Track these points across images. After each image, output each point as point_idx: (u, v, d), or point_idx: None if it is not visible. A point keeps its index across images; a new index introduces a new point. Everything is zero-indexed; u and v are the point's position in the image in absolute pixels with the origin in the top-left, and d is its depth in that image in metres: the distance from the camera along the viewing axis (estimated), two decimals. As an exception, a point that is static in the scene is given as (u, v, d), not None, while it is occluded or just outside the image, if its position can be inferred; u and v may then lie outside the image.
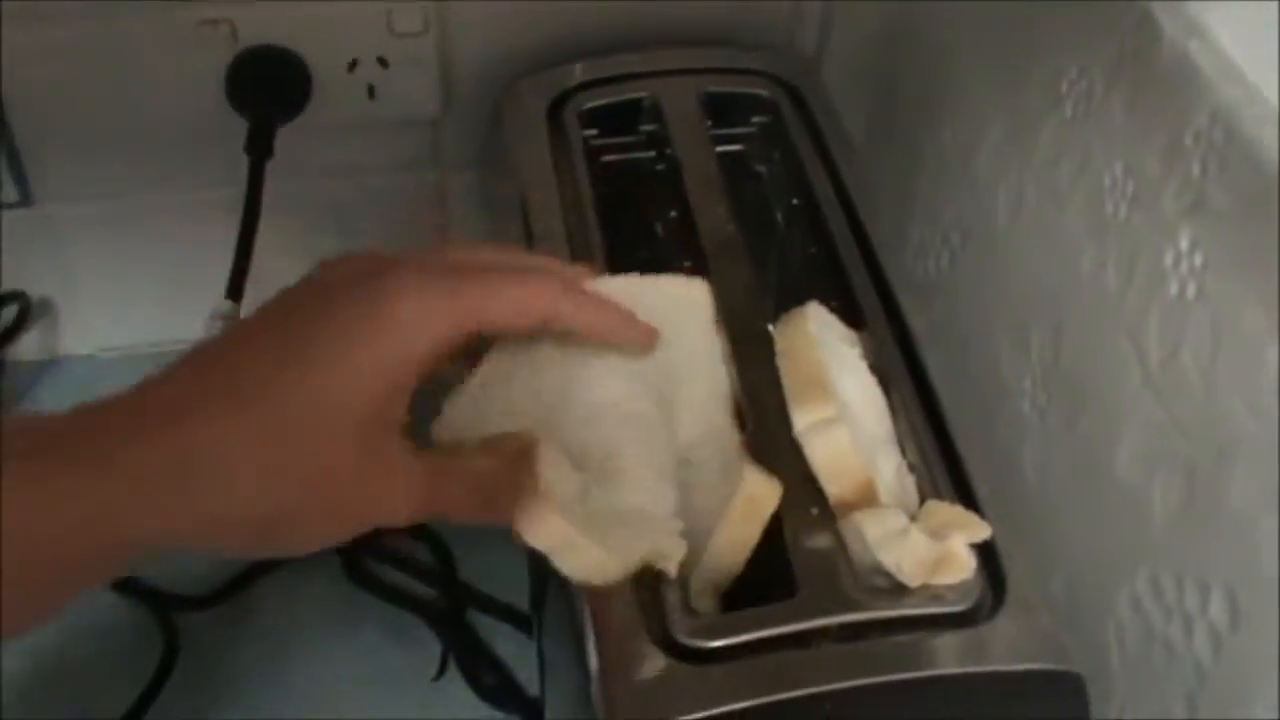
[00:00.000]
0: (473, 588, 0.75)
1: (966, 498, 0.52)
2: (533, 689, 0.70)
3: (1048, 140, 0.63)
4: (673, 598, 0.48)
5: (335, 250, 0.48)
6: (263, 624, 0.74)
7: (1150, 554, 0.54)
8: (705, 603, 0.48)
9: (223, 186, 0.73)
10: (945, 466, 0.53)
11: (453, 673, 0.72)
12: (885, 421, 0.54)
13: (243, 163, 0.71)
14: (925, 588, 0.48)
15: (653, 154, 0.68)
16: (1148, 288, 0.54)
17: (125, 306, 0.83)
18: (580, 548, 0.45)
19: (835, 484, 0.50)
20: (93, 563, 0.41)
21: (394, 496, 0.46)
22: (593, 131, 0.68)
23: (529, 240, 0.62)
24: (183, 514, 0.41)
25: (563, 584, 0.47)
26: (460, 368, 0.51)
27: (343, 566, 0.75)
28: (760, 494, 0.48)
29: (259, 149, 0.71)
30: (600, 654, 0.48)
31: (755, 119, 0.70)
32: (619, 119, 0.69)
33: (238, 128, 0.72)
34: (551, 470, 0.46)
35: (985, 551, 0.49)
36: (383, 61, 0.73)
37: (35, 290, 0.82)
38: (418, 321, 0.45)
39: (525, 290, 0.48)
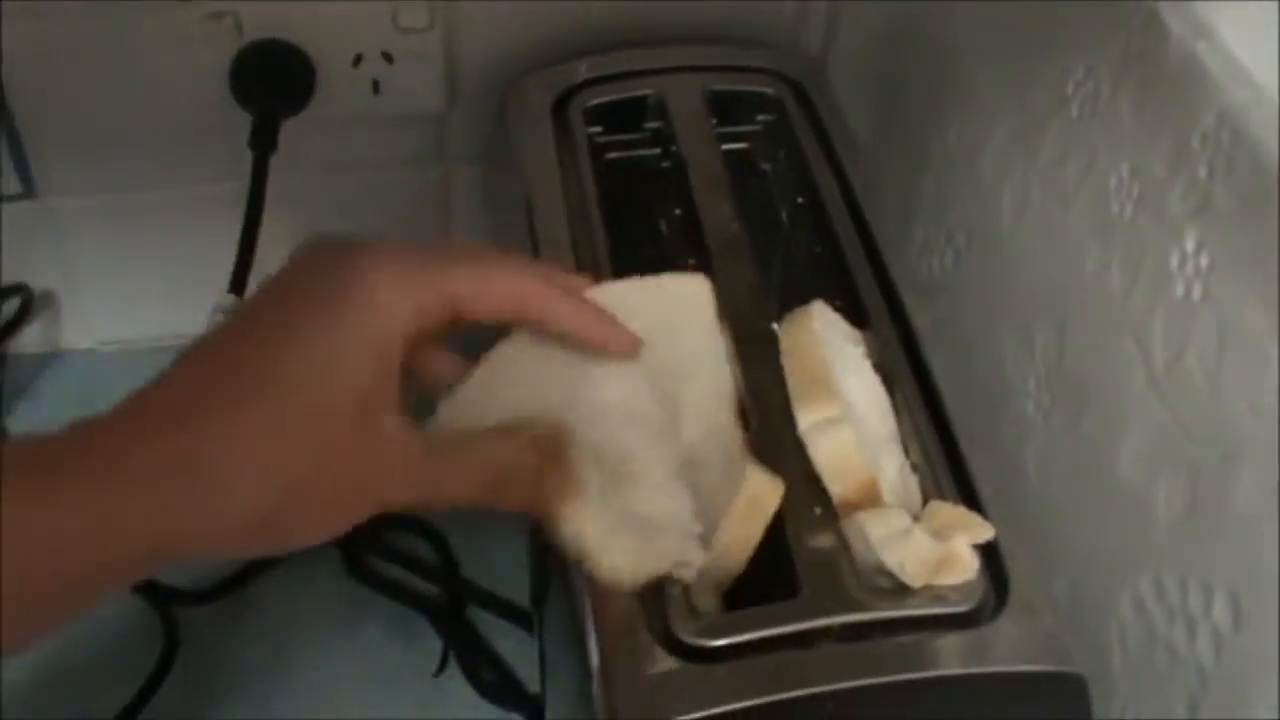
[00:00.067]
0: (474, 584, 0.75)
1: (970, 498, 0.52)
2: (533, 686, 0.70)
3: (1054, 140, 0.62)
4: (675, 596, 0.48)
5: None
6: (263, 619, 0.73)
7: (1153, 556, 0.54)
8: (707, 601, 0.48)
9: (226, 180, 0.73)
10: (949, 467, 0.53)
11: (453, 669, 0.72)
12: (889, 421, 0.54)
13: (246, 157, 0.71)
14: (928, 588, 0.48)
15: (657, 152, 0.68)
16: (1153, 289, 0.54)
17: (128, 300, 0.83)
18: (613, 547, 0.45)
19: (839, 483, 0.50)
20: (94, 579, 0.41)
21: (394, 476, 0.46)
22: (597, 128, 0.68)
23: (532, 237, 0.62)
24: (188, 520, 0.41)
25: (564, 581, 0.47)
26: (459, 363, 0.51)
27: (343, 562, 0.75)
28: (763, 493, 0.48)
29: (263, 143, 0.71)
30: (601, 652, 0.48)
31: (760, 117, 0.70)
32: (624, 116, 0.69)
33: (242, 122, 0.71)
34: (580, 465, 0.46)
35: (988, 552, 0.49)
36: (387, 57, 0.73)
37: (38, 283, 0.82)
38: (397, 301, 0.45)
39: (502, 277, 0.48)
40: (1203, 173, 0.51)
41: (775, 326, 0.55)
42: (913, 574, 0.47)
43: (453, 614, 0.74)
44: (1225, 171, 0.50)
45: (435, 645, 0.72)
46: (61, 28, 0.70)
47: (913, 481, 0.52)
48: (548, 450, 0.47)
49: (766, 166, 0.70)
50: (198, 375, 0.43)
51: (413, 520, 0.77)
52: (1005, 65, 0.68)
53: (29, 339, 0.83)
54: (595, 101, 0.69)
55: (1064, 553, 0.60)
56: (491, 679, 0.72)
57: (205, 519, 0.41)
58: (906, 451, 0.54)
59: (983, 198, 0.69)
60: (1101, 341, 0.58)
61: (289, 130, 0.72)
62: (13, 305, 0.81)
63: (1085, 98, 0.60)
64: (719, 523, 0.48)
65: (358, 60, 0.73)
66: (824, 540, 0.49)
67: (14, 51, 0.70)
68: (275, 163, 0.71)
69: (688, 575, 0.47)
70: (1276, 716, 0.47)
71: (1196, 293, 0.51)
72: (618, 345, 0.50)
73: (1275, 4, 0.52)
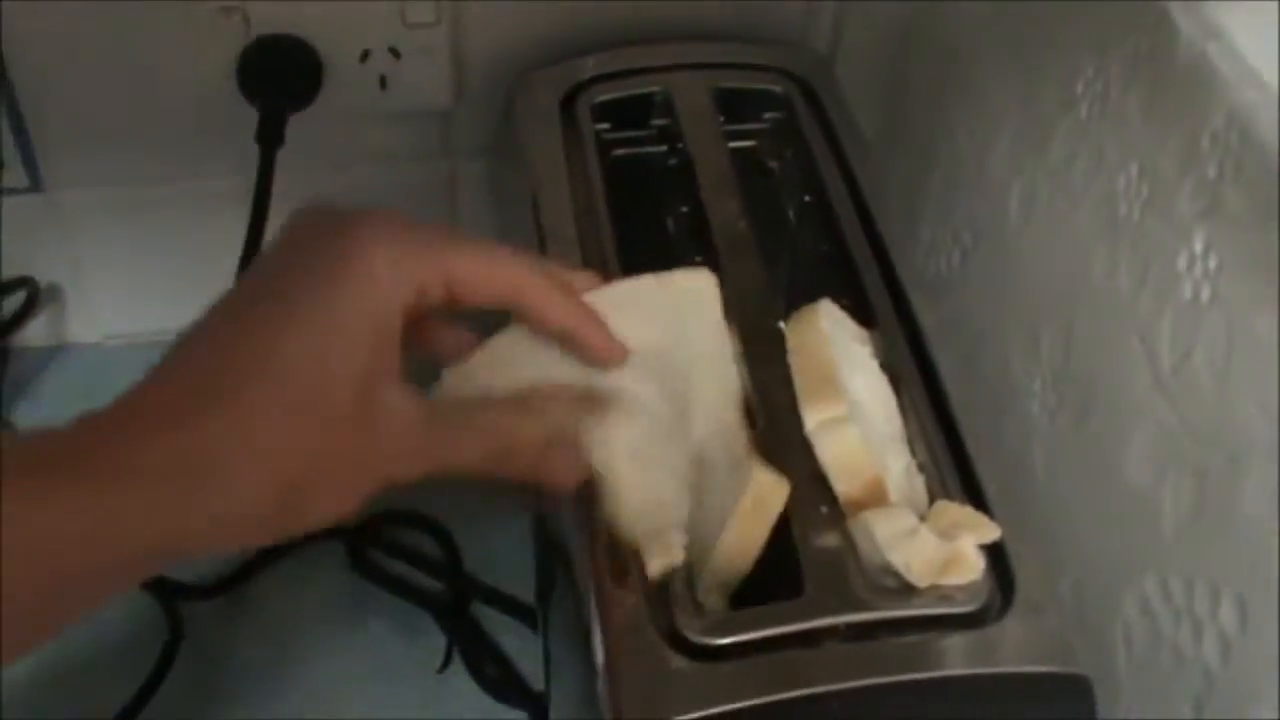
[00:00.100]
0: (478, 580, 0.75)
1: (976, 498, 0.52)
2: (537, 683, 0.70)
3: (1062, 140, 0.62)
4: (680, 594, 0.48)
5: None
6: (266, 614, 0.73)
7: (1160, 557, 0.54)
8: (713, 600, 0.48)
9: (233, 175, 0.73)
10: (955, 466, 0.53)
11: (457, 666, 0.72)
12: (895, 420, 0.54)
13: (253, 152, 0.71)
14: (934, 588, 0.48)
15: (665, 149, 0.68)
16: (1161, 290, 0.54)
17: (133, 294, 0.83)
18: (624, 492, 0.47)
19: (845, 482, 0.50)
20: (95, 580, 0.41)
21: (397, 447, 0.45)
22: (604, 125, 0.68)
23: (539, 233, 0.62)
24: (190, 519, 0.41)
25: (569, 578, 0.47)
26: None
27: (347, 557, 0.75)
28: (769, 492, 0.48)
29: (270, 138, 0.71)
30: (606, 649, 0.48)
31: (768, 115, 0.70)
32: (631, 113, 0.69)
33: (249, 116, 0.71)
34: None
35: (994, 552, 0.49)
36: (395, 52, 0.73)
37: (43, 276, 0.82)
38: (397, 273, 0.45)
39: (503, 265, 0.48)
40: (1212, 174, 0.51)
41: (782, 325, 0.55)
42: (919, 574, 0.47)
43: (457, 610, 0.74)
44: (1234, 172, 0.50)
45: (439, 641, 0.72)
46: (68, 22, 0.70)
47: (919, 481, 0.52)
48: (550, 409, 0.47)
49: (774, 164, 0.70)
50: (194, 365, 0.43)
51: (417, 515, 0.77)
52: (1014, 65, 0.68)
53: (35, 332, 0.83)
54: (602, 98, 0.68)
55: (1070, 553, 0.60)
56: (495, 675, 0.72)
57: (207, 517, 0.41)
58: (913, 451, 0.53)
59: (990, 197, 0.69)
60: (1108, 342, 0.58)
61: (296, 125, 0.72)
62: (19, 298, 0.81)
63: (1094, 98, 0.60)
64: (725, 522, 0.48)
65: (365, 56, 0.73)
66: (830, 539, 0.49)
67: (21, 45, 0.70)
68: (282, 157, 0.71)
69: (653, 570, 0.47)
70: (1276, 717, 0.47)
71: (1205, 294, 0.51)
72: (605, 352, 0.50)
73: (1286, 5, 0.52)
